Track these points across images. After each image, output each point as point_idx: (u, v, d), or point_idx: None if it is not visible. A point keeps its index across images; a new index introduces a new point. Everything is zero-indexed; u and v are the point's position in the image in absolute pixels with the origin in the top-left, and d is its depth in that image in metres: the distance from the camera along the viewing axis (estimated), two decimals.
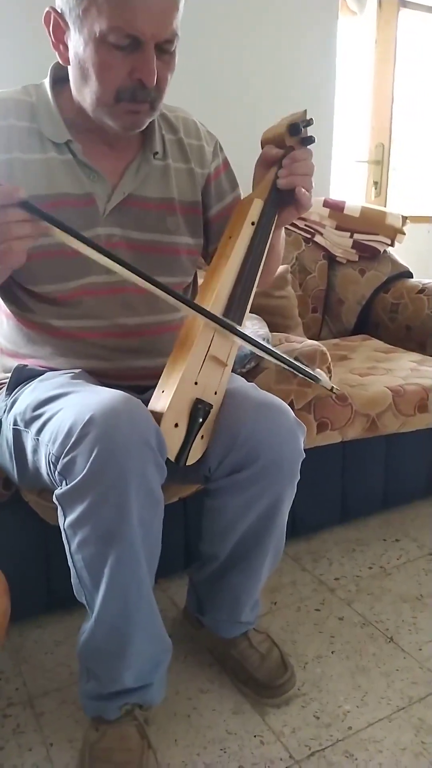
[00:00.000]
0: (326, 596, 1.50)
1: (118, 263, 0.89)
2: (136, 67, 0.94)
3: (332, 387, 1.08)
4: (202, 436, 1.01)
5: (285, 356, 1.03)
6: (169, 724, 1.14)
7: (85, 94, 0.99)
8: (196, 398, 0.99)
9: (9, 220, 0.83)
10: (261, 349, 1.01)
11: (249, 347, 1.02)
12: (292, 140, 1.05)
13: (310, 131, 1.06)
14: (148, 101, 0.98)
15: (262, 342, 1.03)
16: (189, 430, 0.98)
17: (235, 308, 1.03)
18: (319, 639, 1.36)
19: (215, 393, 1.02)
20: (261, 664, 1.20)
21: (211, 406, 1.00)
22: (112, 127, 1.00)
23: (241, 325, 1.02)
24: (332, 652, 1.32)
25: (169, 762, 1.07)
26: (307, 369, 1.05)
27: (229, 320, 1.01)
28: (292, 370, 1.04)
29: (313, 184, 1.06)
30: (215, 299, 1.02)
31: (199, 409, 0.98)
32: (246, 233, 1.05)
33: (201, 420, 0.98)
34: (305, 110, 1.06)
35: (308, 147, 1.06)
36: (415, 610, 1.45)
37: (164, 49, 0.95)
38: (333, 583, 1.55)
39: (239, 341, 1.02)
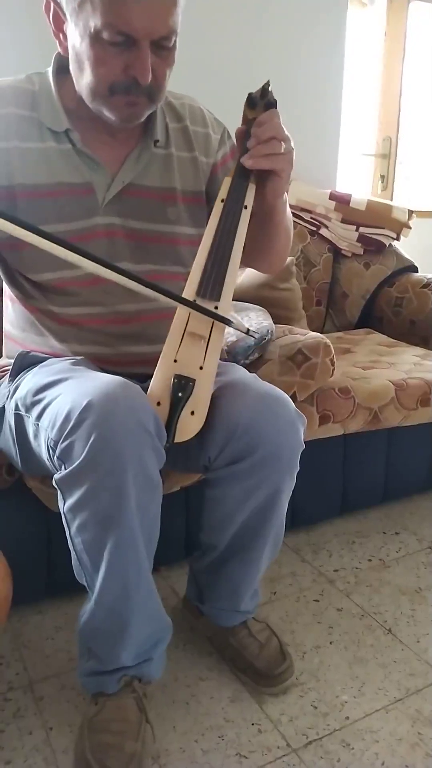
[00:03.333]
0: (325, 587, 1.51)
1: (75, 252, 0.89)
2: (131, 64, 0.93)
3: (248, 329, 1.07)
4: (193, 412, 1.00)
5: (190, 300, 1.02)
6: (167, 711, 1.15)
7: (81, 85, 0.99)
8: (175, 374, 0.99)
9: None
10: (222, 321, 1.01)
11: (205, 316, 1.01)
12: (252, 112, 1.03)
13: (288, 95, 1.00)
14: (145, 95, 0.97)
15: (232, 317, 1.02)
16: (172, 407, 0.99)
17: (207, 282, 1.02)
18: (317, 629, 1.37)
19: (200, 368, 1.01)
20: (260, 653, 1.21)
21: (192, 380, 1.00)
22: (110, 118, 1.00)
23: (219, 297, 1.02)
24: (330, 643, 1.33)
25: (167, 748, 1.08)
26: (219, 314, 1.02)
27: (200, 295, 1.01)
28: (211, 317, 1.02)
29: (285, 145, 0.99)
30: (190, 277, 1.03)
31: (176, 384, 0.99)
32: (216, 211, 1.05)
33: (181, 394, 0.99)
34: (267, 81, 1.04)
35: (266, 111, 1.00)
36: (413, 602, 1.46)
37: (161, 45, 0.94)
38: (332, 575, 1.55)
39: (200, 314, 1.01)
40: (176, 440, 0.99)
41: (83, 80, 0.97)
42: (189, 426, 1.00)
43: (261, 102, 1.03)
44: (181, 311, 1.03)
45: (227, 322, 1.02)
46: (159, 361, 1.01)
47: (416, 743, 1.09)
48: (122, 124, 1.02)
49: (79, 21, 0.92)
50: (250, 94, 1.03)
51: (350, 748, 1.08)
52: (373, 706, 1.17)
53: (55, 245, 0.89)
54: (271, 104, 1.02)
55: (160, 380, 1.00)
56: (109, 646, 1.02)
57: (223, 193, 1.05)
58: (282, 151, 0.99)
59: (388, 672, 1.25)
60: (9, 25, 1.78)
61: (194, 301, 1.01)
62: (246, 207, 1.05)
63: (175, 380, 0.99)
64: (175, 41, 0.96)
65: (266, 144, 0.98)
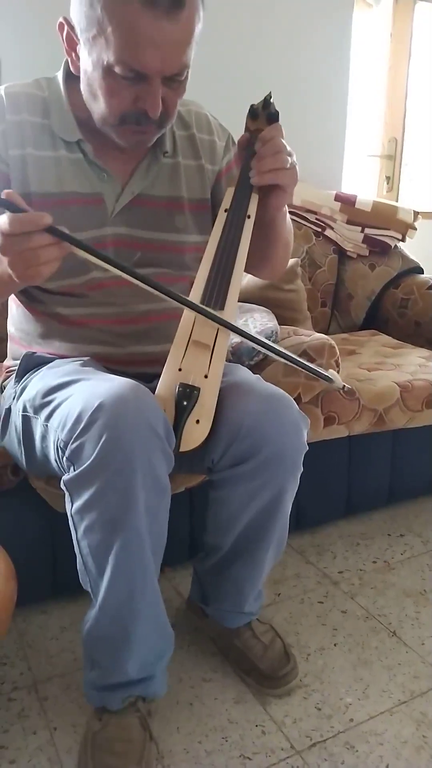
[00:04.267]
0: (330, 589, 1.50)
1: (142, 281, 0.92)
2: (141, 98, 0.94)
3: (344, 386, 1.07)
4: (198, 421, 1.00)
5: (281, 349, 1.03)
6: (171, 711, 1.15)
7: (93, 108, 0.99)
8: (179, 383, 1.00)
9: (36, 246, 0.83)
10: (237, 332, 1.02)
11: (233, 334, 1.03)
12: (255, 123, 1.05)
13: (293, 106, 1.03)
14: (155, 124, 0.98)
15: (251, 332, 1.04)
16: (177, 416, 0.99)
17: (211, 292, 1.03)
18: (322, 631, 1.36)
19: (205, 376, 1.01)
20: (264, 655, 1.21)
21: (197, 389, 1.00)
22: (118, 143, 1.01)
23: (223, 307, 1.02)
24: (335, 645, 1.32)
25: (171, 749, 1.08)
26: (312, 366, 1.04)
27: (204, 304, 1.01)
28: (291, 364, 1.04)
29: (290, 160, 1.00)
30: (194, 287, 1.04)
31: (181, 393, 0.99)
32: (219, 221, 1.07)
33: (186, 403, 0.99)
34: (269, 93, 1.05)
35: (268, 127, 1.02)
36: (418, 605, 1.45)
37: (173, 79, 0.94)
38: (337, 577, 1.55)
39: (220, 325, 1.02)
40: (181, 449, 0.99)
41: (95, 106, 0.98)
42: (194, 435, 1.00)
43: (263, 113, 1.04)
44: (187, 319, 1.02)
45: (237, 330, 1.02)
46: (164, 369, 1.01)
47: (421, 746, 1.09)
48: (130, 148, 1.03)
49: (92, 51, 0.93)
50: (252, 106, 1.04)
51: (354, 750, 1.08)
52: (378, 708, 1.17)
53: (115, 269, 0.91)
54: (273, 116, 1.03)
55: (164, 389, 1.00)
56: (113, 655, 1.01)
57: (226, 203, 1.07)
58: (287, 166, 1.00)
59: (393, 674, 1.25)
60: (15, 27, 1.78)
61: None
62: (249, 216, 1.06)
63: (180, 389, 0.99)
64: (186, 74, 0.96)
65: (272, 158, 0.99)
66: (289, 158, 1.00)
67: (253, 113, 1.04)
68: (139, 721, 1.05)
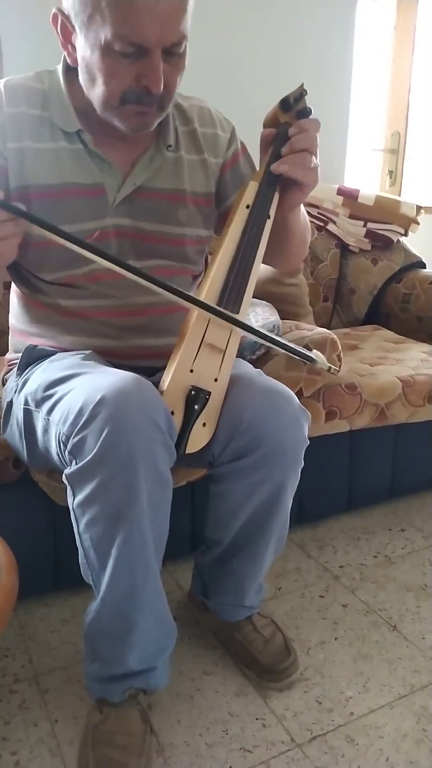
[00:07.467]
0: (330, 583, 1.51)
1: (101, 256, 0.91)
2: (143, 74, 0.93)
3: (330, 367, 1.06)
4: (204, 424, 1.00)
5: (280, 339, 1.03)
6: (172, 704, 1.15)
7: (92, 95, 0.98)
8: (192, 385, 0.99)
9: None
10: (255, 334, 1.01)
11: (242, 332, 1.02)
12: (285, 116, 1.01)
13: (320, 104, 0.99)
14: (156, 104, 0.97)
15: (259, 329, 1.03)
16: (186, 418, 0.99)
17: (229, 293, 1.02)
18: (322, 625, 1.37)
19: (215, 380, 1.01)
20: (264, 648, 1.21)
21: (208, 393, 1.00)
22: (120, 128, 1.00)
23: (239, 310, 1.02)
24: (335, 639, 1.33)
25: (172, 741, 1.08)
26: (302, 350, 1.04)
27: (221, 306, 1.00)
28: (287, 352, 1.04)
29: (315, 160, 0.99)
30: (210, 286, 1.01)
31: (194, 397, 0.98)
32: (240, 217, 1.03)
33: (197, 407, 0.98)
34: (301, 84, 1.02)
35: (306, 119, 0.99)
36: (419, 599, 1.45)
37: (172, 52, 0.93)
38: (337, 571, 1.55)
39: (234, 327, 1.01)
40: (187, 451, 0.99)
41: (95, 91, 0.97)
42: (200, 437, 1.00)
43: (295, 106, 1.00)
44: (201, 319, 1.00)
45: (251, 329, 1.02)
46: (174, 368, 1.00)
47: (421, 739, 1.09)
48: (132, 134, 1.01)
49: (89, 33, 0.91)
50: (286, 97, 1.00)
51: (355, 743, 1.08)
52: (378, 702, 1.17)
53: (74, 245, 0.90)
54: (305, 112, 1.00)
55: (174, 388, 0.99)
56: (115, 647, 1.01)
57: (249, 198, 1.03)
58: (312, 165, 0.98)
59: (393, 668, 1.25)
60: (20, 19, 1.77)
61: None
62: (269, 216, 1.03)
63: (192, 392, 0.99)
64: (185, 46, 0.95)
65: (300, 154, 0.98)
66: (314, 158, 0.99)
67: (286, 105, 1.00)
68: (139, 714, 1.05)
